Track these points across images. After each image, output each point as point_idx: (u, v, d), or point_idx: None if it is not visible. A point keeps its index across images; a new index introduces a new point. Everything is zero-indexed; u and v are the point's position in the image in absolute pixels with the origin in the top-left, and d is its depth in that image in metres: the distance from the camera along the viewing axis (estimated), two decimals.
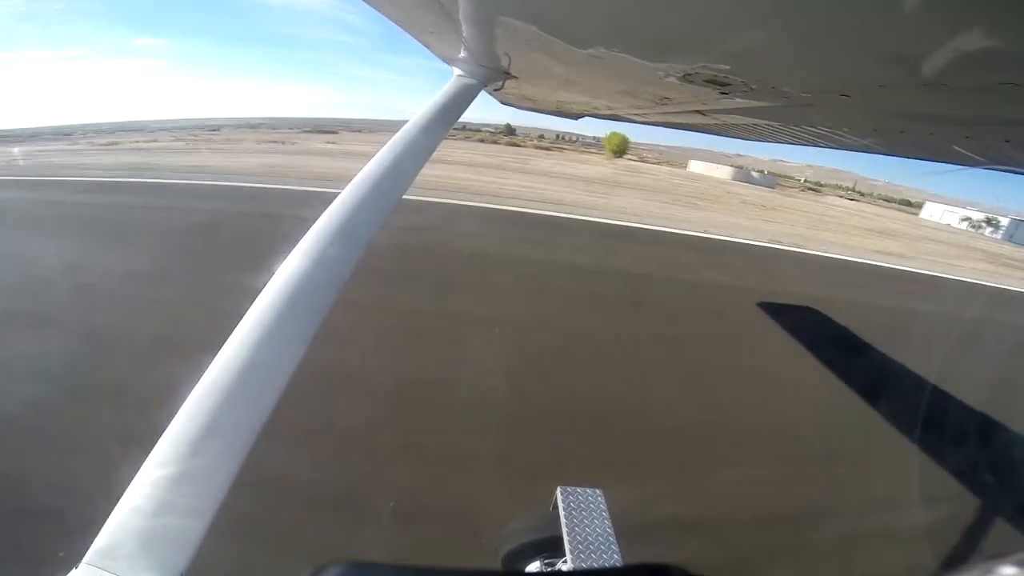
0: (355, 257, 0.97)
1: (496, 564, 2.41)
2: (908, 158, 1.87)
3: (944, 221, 43.82)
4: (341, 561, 0.38)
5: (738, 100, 1.58)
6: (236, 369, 0.87)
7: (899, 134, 1.34)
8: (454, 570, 0.98)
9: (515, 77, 2.29)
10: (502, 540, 2.42)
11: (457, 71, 1.89)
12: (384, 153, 1.12)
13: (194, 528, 0.74)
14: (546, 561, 2.30)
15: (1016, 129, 0.93)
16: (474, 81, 1.78)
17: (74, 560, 0.72)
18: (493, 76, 1.92)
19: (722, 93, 1.51)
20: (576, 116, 4.63)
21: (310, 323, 0.92)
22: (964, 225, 42.90)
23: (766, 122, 2.21)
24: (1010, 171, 1.39)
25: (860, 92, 0.95)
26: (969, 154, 1.24)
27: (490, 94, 2.98)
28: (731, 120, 2.55)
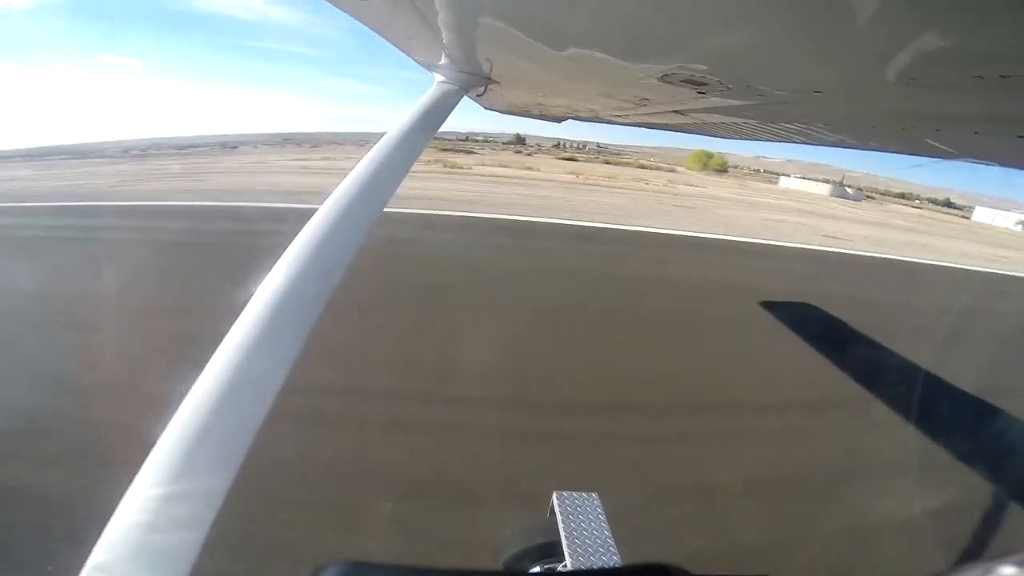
0: (337, 271, 0.97)
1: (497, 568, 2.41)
2: (883, 151, 1.92)
3: (1000, 224, 41.53)
4: (341, 561, 0.39)
5: (715, 99, 1.60)
6: (226, 380, 0.87)
7: (872, 128, 1.38)
8: (454, 570, 0.98)
9: (497, 82, 2.30)
10: (500, 547, 2.43)
11: (438, 77, 1.90)
12: (365, 164, 1.11)
13: (191, 540, 0.74)
14: (546, 567, 2.31)
15: (983, 122, 0.96)
16: (455, 87, 1.78)
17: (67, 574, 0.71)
18: (475, 81, 1.93)
19: (699, 93, 1.54)
20: (559, 119, 4.67)
21: (295, 340, 0.91)
22: (1020, 228, 41.10)
23: (743, 120, 2.25)
24: (982, 163, 1.43)
25: (833, 89, 0.97)
26: (942, 147, 1.28)
27: (473, 100, 2.99)
28: (709, 119, 2.59)
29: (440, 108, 1.62)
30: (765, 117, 1.88)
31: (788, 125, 1.79)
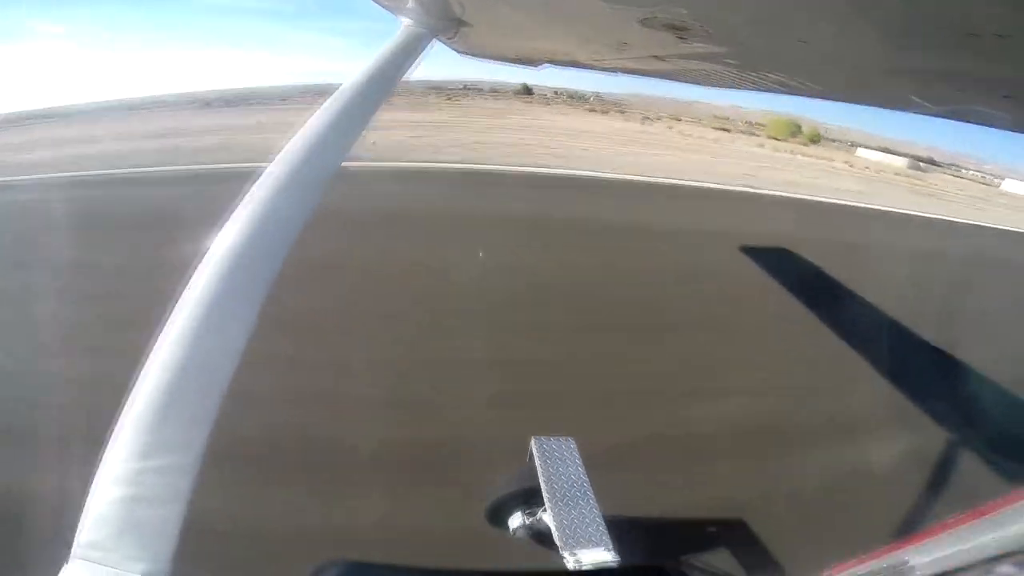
0: (295, 226, 0.91)
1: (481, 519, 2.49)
2: (864, 104, 1.88)
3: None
4: (341, 561, 0.40)
5: (696, 45, 1.54)
6: (186, 346, 0.85)
7: (856, 80, 1.35)
8: (454, 570, 1.02)
9: (469, 24, 2.16)
10: (483, 496, 2.51)
11: (405, 21, 1.76)
12: (320, 116, 1.02)
13: (174, 512, 0.75)
14: (527, 511, 2.41)
15: (968, 79, 0.95)
16: (423, 30, 1.66)
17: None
18: (445, 24, 1.80)
19: (680, 38, 1.47)
20: (537, 64, 4.46)
21: (253, 297, 0.87)
22: None
23: (725, 68, 2.18)
24: (962, 120, 1.42)
25: (818, 38, 0.93)
26: (924, 102, 1.26)
27: (445, 44, 2.81)
28: (689, 66, 2.51)
29: (407, 53, 1.50)
30: (747, 65, 1.83)
31: (769, 74, 1.74)
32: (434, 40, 1.79)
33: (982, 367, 5.28)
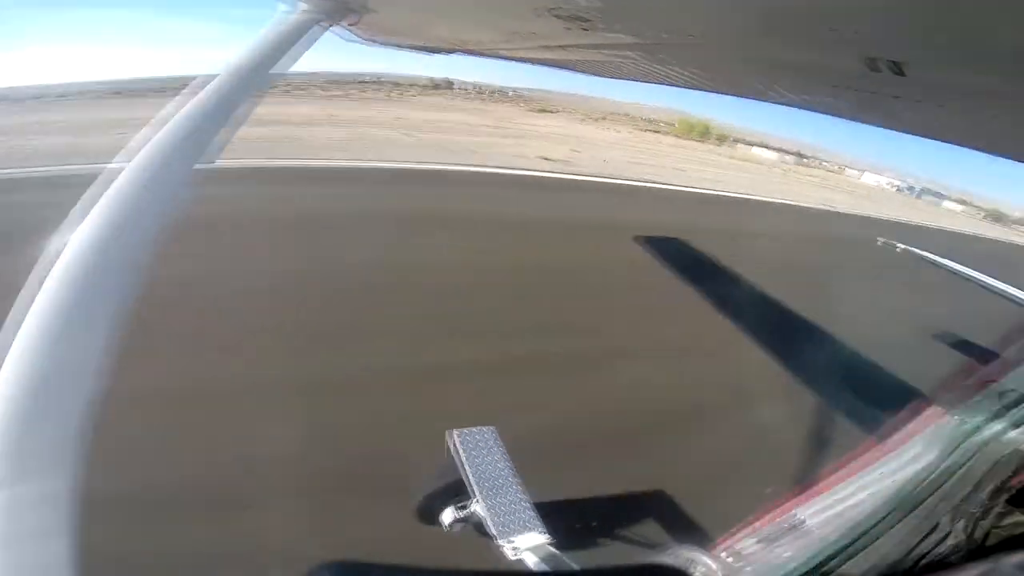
0: (149, 233, 0.79)
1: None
2: (757, 100, 2.01)
3: None
4: (341, 561, 0.36)
5: (599, 36, 1.58)
6: (30, 363, 0.72)
7: (740, 76, 1.45)
8: (455, 571, 0.98)
9: (372, 10, 2.04)
10: (409, 496, 2.44)
11: (301, 6, 1.58)
12: (191, 108, 0.89)
13: (60, 548, 0.64)
14: (458, 505, 2.38)
15: (839, 75, 1.05)
16: (317, 15, 1.50)
17: None
18: (342, 9, 1.67)
19: (583, 28, 1.50)
20: (448, 51, 4.36)
21: (108, 306, 0.75)
22: None
23: (626, 59, 2.25)
24: (836, 115, 1.58)
25: (702, 34, 0.98)
26: (785, 92, 1.38)
27: (346, 29, 2.65)
28: (595, 57, 2.57)
29: (294, 40, 1.36)
30: (648, 58, 1.89)
31: (668, 68, 1.82)
32: (330, 26, 1.65)
33: (825, 326, 6.13)
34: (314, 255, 5.71)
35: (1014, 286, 5.18)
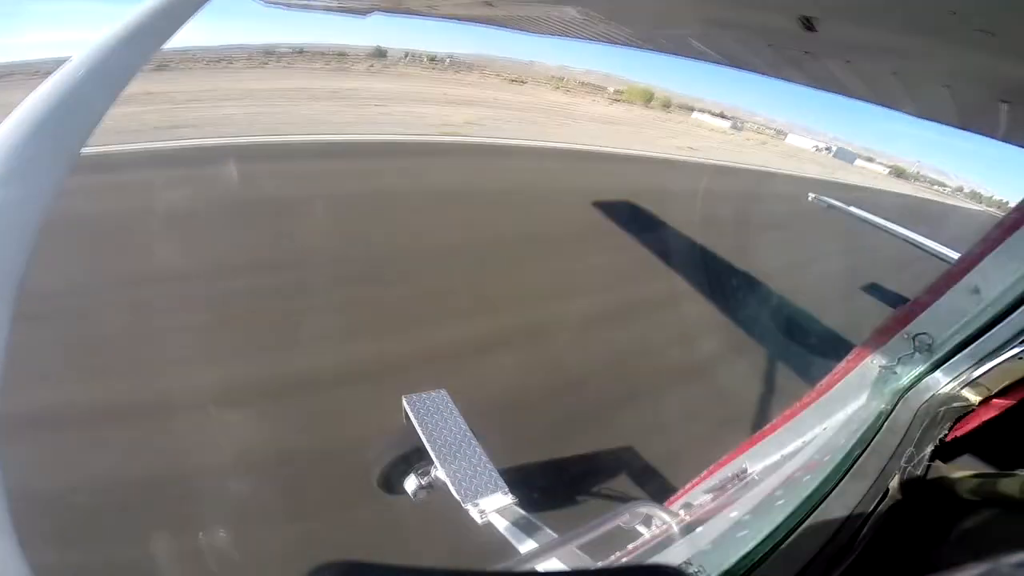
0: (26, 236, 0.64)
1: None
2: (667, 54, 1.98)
3: None
4: (341, 561, 0.33)
5: None
6: None
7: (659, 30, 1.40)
8: (455, 571, 0.94)
9: None
10: (368, 466, 2.38)
11: None
12: (45, 91, 0.73)
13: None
14: (419, 472, 2.35)
15: (766, 31, 1.02)
16: None
17: None
18: None
19: None
20: (364, 12, 4.04)
21: None
22: None
23: (551, 14, 2.16)
24: (755, 72, 1.58)
25: None
26: (707, 49, 1.36)
27: None
28: (520, 12, 2.46)
29: (179, 7, 1.17)
30: (584, 16, 1.80)
31: (606, 26, 1.74)
32: None
33: (762, 279, 6.52)
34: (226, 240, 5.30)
35: (926, 236, 5.62)
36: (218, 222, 5.34)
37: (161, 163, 6.87)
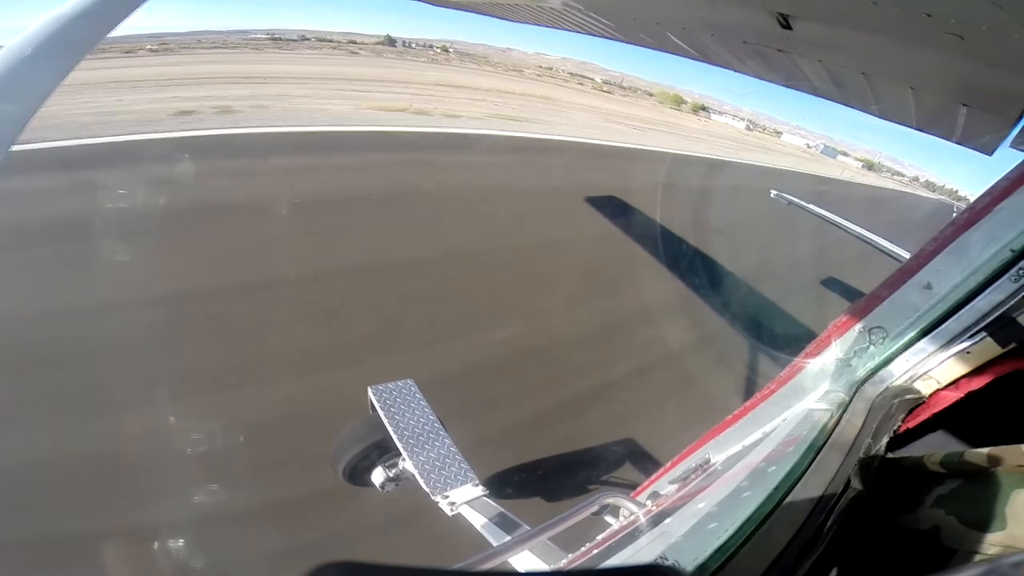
0: None
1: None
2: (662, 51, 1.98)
3: None
4: (341, 562, 0.30)
5: None
6: None
7: (632, 21, 1.40)
8: (456, 571, 0.91)
9: None
10: (333, 458, 2.34)
11: None
12: None
13: None
14: (386, 464, 2.31)
15: (743, 27, 1.02)
16: None
17: None
18: None
19: None
20: None
21: None
22: None
23: (533, 4, 2.12)
24: (728, 68, 1.60)
25: None
26: (682, 44, 1.36)
27: None
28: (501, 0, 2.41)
29: None
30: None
31: (564, 13, 1.73)
32: None
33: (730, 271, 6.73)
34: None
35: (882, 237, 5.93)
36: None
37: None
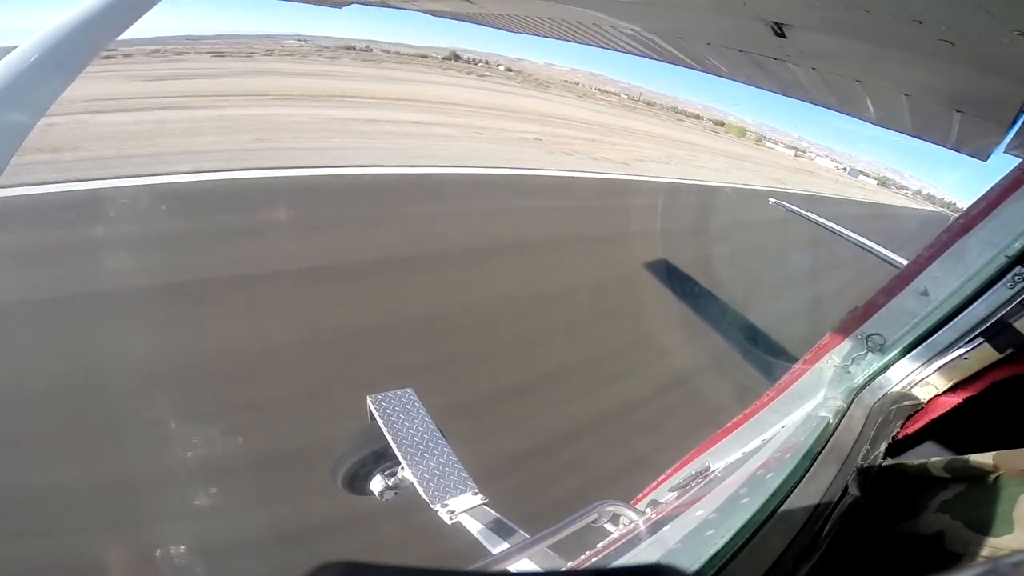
0: None
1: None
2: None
3: None
4: (341, 561, 0.30)
5: None
6: None
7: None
8: (457, 571, 0.91)
9: None
10: (332, 467, 2.33)
11: None
12: None
13: None
14: (386, 473, 2.31)
15: (738, 35, 1.04)
16: None
17: None
18: None
19: None
20: (340, 4, 3.94)
21: None
22: None
23: (535, 16, 2.14)
24: (722, 76, 1.61)
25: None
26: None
27: None
28: (499, 10, 2.43)
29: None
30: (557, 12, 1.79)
31: (562, 24, 1.74)
32: None
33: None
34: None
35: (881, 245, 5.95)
36: None
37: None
